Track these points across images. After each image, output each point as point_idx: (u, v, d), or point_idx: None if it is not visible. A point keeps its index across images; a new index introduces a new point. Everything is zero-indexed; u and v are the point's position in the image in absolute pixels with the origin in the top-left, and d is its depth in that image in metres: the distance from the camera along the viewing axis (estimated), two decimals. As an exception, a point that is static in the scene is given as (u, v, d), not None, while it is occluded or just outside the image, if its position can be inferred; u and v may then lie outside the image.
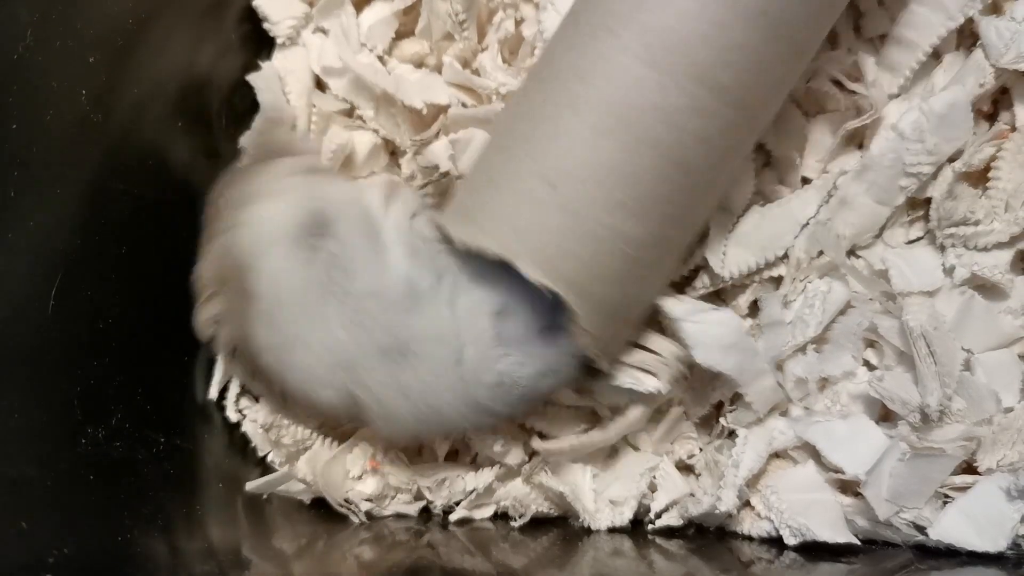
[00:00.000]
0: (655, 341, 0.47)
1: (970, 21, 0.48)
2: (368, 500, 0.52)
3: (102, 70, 0.44)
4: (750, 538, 0.49)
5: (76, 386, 0.43)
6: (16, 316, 0.40)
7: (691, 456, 0.51)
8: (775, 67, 0.41)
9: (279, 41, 0.56)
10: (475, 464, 0.52)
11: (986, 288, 0.48)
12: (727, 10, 0.38)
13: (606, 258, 0.40)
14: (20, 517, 0.38)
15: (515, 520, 0.51)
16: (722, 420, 0.50)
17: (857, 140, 0.51)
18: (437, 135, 0.51)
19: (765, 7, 0.39)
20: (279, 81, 0.54)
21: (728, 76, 0.39)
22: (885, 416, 0.48)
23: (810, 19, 0.41)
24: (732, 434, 0.50)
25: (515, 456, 0.50)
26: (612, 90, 0.39)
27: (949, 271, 0.48)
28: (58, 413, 0.42)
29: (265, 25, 0.56)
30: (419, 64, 0.55)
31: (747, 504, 0.49)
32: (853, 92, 0.50)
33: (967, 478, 0.45)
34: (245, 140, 0.53)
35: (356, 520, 0.51)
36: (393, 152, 0.55)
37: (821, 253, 0.49)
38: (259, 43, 0.56)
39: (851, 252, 0.49)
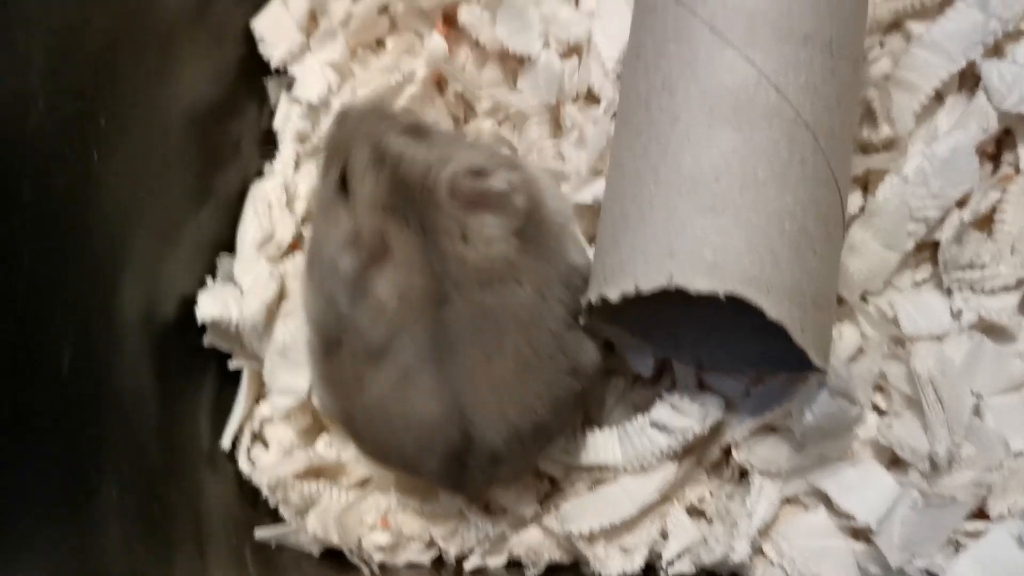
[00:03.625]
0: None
1: (972, 63, 0.49)
2: (381, 549, 0.52)
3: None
4: (763, 584, 0.49)
5: (90, 444, 0.44)
6: (33, 376, 0.41)
7: (701, 500, 0.51)
8: (844, 1, 0.41)
9: (274, 65, 0.56)
10: (488, 511, 0.52)
11: (994, 330, 0.48)
12: None
13: (773, 241, 0.39)
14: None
15: (529, 568, 0.51)
16: (733, 454, 0.50)
17: (861, 182, 0.51)
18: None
19: None
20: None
21: (805, 23, 0.40)
22: (895, 460, 0.48)
23: None
24: (743, 475, 0.50)
25: (528, 504, 0.50)
26: (703, 84, 0.40)
27: (957, 314, 0.48)
28: (74, 476, 0.43)
29: (261, 48, 0.56)
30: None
31: (759, 551, 0.49)
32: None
33: (979, 524, 0.45)
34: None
35: (368, 571, 0.51)
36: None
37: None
38: (256, 67, 0.57)
39: (861, 297, 0.49)
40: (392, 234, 0.41)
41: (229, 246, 0.55)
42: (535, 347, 0.42)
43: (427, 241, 0.40)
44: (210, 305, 0.51)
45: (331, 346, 0.44)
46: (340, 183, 0.43)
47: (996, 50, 0.49)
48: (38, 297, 0.41)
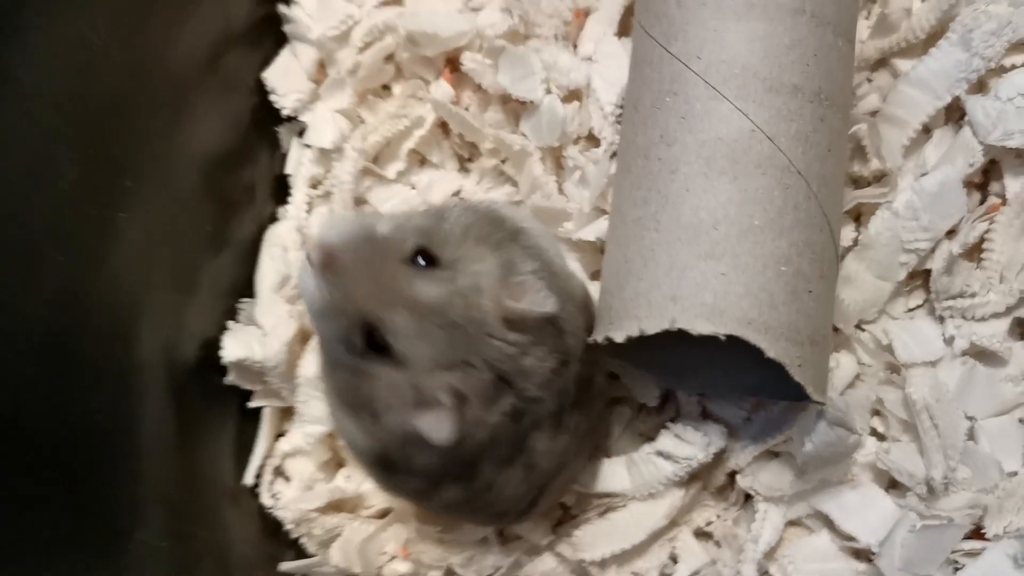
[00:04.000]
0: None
1: (957, 98, 0.51)
2: (402, 579, 0.54)
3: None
4: (770, 606, 0.51)
5: (123, 492, 0.46)
6: (68, 425, 0.43)
7: (709, 523, 0.53)
8: (831, 52, 0.43)
9: (285, 114, 0.58)
10: (503, 539, 0.54)
11: (985, 356, 0.50)
12: (766, 22, 0.42)
13: (770, 284, 0.41)
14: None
15: (543, 594, 0.53)
16: (738, 480, 0.52)
17: (854, 213, 0.53)
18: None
19: (799, 5, 0.42)
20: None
21: (795, 75, 0.42)
22: (893, 483, 0.50)
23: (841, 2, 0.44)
24: (748, 498, 0.52)
25: (542, 532, 0.52)
26: (700, 136, 0.42)
27: (949, 341, 0.50)
28: (107, 521, 0.45)
29: (272, 97, 0.58)
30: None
31: (766, 573, 0.51)
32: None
33: (975, 544, 0.47)
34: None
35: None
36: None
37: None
38: (267, 115, 0.59)
39: (857, 326, 0.51)
40: (460, 381, 0.39)
41: (247, 289, 0.57)
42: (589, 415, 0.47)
43: (489, 367, 0.40)
44: (234, 347, 0.53)
45: (392, 465, 0.45)
46: (367, 345, 0.40)
47: (980, 86, 0.51)
48: (65, 349, 0.43)
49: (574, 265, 0.53)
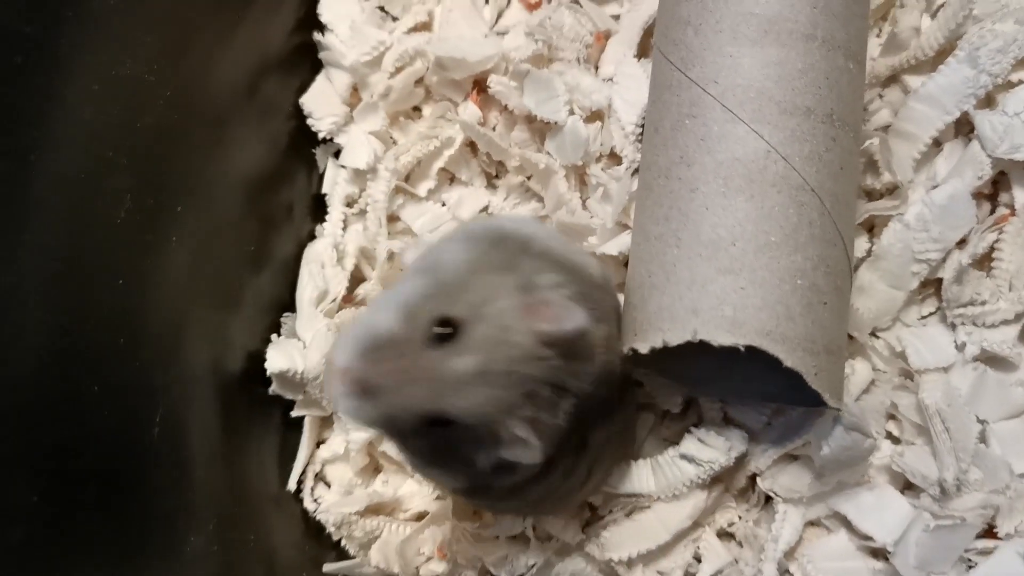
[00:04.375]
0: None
1: (966, 113, 0.53)
2: (438, 579, 0.57)
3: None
4: (791, 604, 0.53)
5: (178, 500, 0.49)
6: (127, 440, 0.46)
7: (731, 524, 0.55)
8: (841, 75, 0.45)
9: (321, 136, 0.61)
10: (536, 537, 0.57)
11: (996, 361, 0.52)
12: (780, 48, 0.44)
13: (787, 297, 0.43)
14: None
15: (573, 592, 0.56)
16: (758, 482, 0.54)
17: (867, 225, 0.55)
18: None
19: (811, 31, 0.44)
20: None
21: (808, 98, 0.44)
22: (908, 484, 0.52)
23: (849, 24, 0.46)
24: (768, 500, 0.54)
25: (573, 532, 0.55)
26: (718, 157, 0.44)
27: (961, 347, 0.52)
28: (163, 527, 0.48)
29: (309, 121, 0.61)
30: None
31: (786, 572, 0.53)
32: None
33: (988, 542, 0.49)
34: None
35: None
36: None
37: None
38: (304, 138, 0.62)
39: (872, 333, 0.53)
40: (529, 408, 0.40)
41: (289, 304, 0.60)
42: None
43: (544, 383, 0.40)
44: (277, 358, 0.56)
45: (487, 490, 0.48)
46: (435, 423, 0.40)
47: (988, 101, 0.53)
48: (122, 366, 0.46)
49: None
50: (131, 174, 0.46)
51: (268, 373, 0.56)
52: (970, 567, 0.49)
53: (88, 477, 0.43)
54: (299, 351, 0.57)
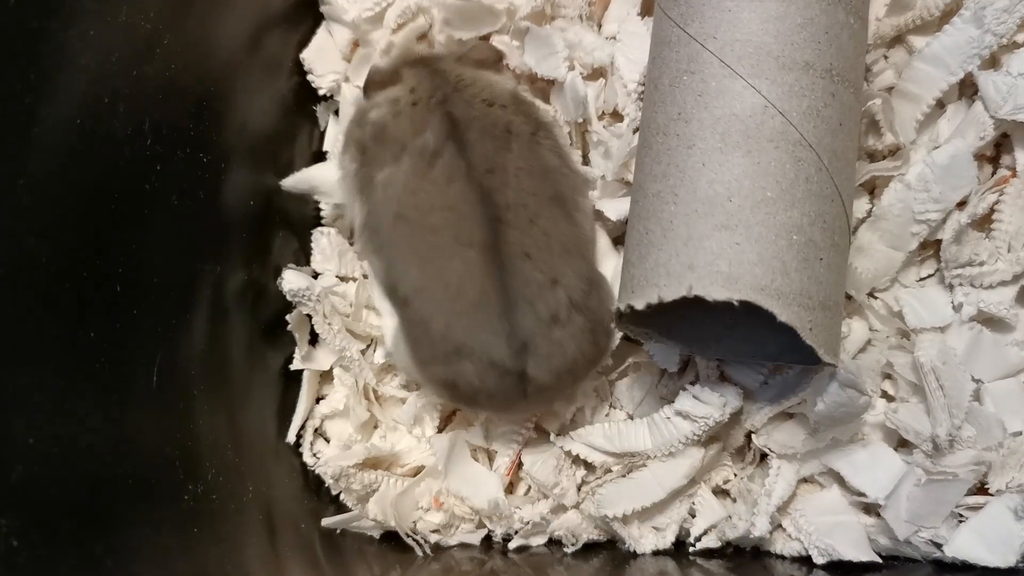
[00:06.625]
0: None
1: (970, 74, 0.52)
2: (435, 531, 0.57)
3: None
4: (783, 557, 0.54)
5: (177, 447, 0.49)
6: (128, 388, 0.46)
7: (727, 482, 0.56)
8: (842, 30, 0.45)
9: (321, 93, 0.61)
10: (529, 496, 0.57)
11: (993, 322, 0.52)
12: (780, 3, 0.44)
13: (782, 253, 0.43)
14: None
15: (568, 546, 0.56)
16: (754, 439, 0.55)
17: (868, 186, 0.55)
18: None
19: None
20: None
21: (807, 52, 0.44)
22: (903, 442, 0.52)
23: None
24: (764, 458, 0.55)
25: (568, 491, 0.55)
26: (715, 112, 0.44)
27: (958, 308, 0.52)
28: (164, 472, 0.48)
29: (309, 78, 0.61)
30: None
31: (779, 526, 0.53)
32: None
33: (979, 498, 0.49)
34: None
35: (421, 553, 0.56)
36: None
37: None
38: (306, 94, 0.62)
39: (869, 294, 0.53)
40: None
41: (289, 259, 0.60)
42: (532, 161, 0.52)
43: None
44: (294, 279, 0.57)
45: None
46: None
47: (992, 62, 0.53)
48: (123, 315, 0.46)
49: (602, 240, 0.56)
50: (130, 122, 0.46)
51: (285, 291, 0.58)
52: (960, 522, 0.49)
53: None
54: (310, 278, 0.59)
